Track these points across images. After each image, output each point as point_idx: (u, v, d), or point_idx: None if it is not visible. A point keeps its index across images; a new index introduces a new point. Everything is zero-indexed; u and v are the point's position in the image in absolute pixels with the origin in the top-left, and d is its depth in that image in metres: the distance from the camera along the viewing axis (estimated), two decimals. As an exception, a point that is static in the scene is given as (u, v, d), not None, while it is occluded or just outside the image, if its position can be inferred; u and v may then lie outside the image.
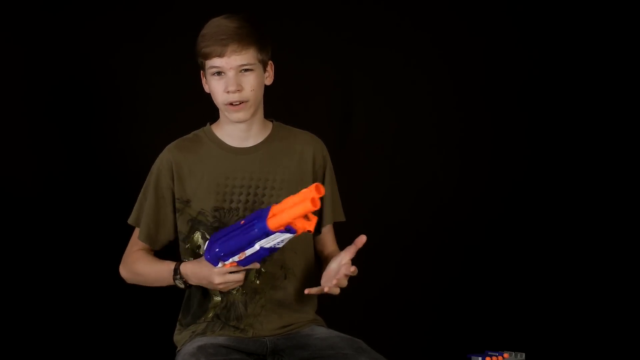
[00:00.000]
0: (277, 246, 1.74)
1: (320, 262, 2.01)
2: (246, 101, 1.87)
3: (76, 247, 2.61)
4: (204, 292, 1.95)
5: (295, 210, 1.65)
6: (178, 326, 2.00)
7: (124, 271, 1.99)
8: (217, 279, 1.79)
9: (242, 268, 1.79)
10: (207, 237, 1.92)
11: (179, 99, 2.65)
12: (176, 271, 1.87)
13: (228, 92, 1.86)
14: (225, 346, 1.88)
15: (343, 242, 2.03)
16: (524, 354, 2.46)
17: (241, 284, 1.84)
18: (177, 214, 1.94)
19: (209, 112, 2.00)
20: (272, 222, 1.67)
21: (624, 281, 2.95)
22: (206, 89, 1.94)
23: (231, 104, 1.87)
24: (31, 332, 2.58)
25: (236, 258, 1.75)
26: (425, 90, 2.89)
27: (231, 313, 1.94)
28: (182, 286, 1.88)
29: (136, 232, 1.98)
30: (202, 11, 2.62)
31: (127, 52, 2.64)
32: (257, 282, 1.94)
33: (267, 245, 1.72)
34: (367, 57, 2.84)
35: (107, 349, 2.64)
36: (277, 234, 1.69)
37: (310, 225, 1.69)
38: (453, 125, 2.90)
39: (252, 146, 1.95)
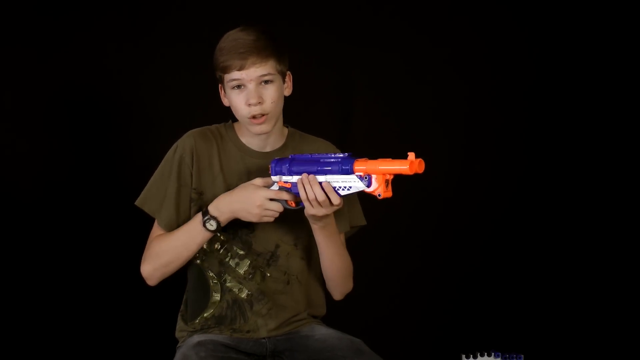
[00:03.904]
0: (339, 191, 1.73)
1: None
2: (267, 114, 1.87)
3: (78, 246, 2.63)
4: (202, 286, 1.95)
5: (389, 164, 1.67)
6: (179, 321, 2.01)
7: (147, 264, 1.92)
8: (259, 200, 1.80)
9: (285, 196, 1.80)
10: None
11: (187, 99, 2.66)
12: (205, 213, 1.86)
13: (249, 104, 1.85)
14: (225, 344, 1.89)
15: (348, 243, 2.03)
16: (522, 356, 2.46)
17: (276, 215, 1.82)
18: (192, 204, 1.94)
19: (219, 111, 1.99)
20: (358, 163, 1.70)
21: (623, 282, 2.94)
22: (225, 102, 1.92)
23: (254, 117, 1.86)
24: (34, 329, 2.59)
25: (296, 179, 1.77)
26: (426, 91, 2.89)
27: (237, 314, 1.94)
28: (214, 227, 1.85)
29: (154, 229, 1.96)
30: (205, 15, 2.66)
31: (130, 53, 2.64)
32: (263, 284, 1.95)
33: (333, 184, 1.73)
34: (368, 58, 2.84)
35: (110, 345, 2.65)
36: (352, 176, 1.70)
37: (385, 193, 1.69)
38: (455, 125, 2.90)
39: (269, 152, 1.95)
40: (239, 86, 1.86)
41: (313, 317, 2.02)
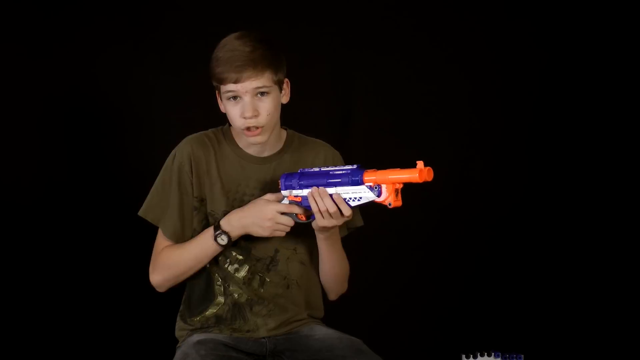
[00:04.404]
0: (350, 202, 1.76)
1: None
2: (262, 126, 1.86)
3: (77, 247, 2.63)
4: (207, 287, 1.96)
5: (399, 174, 1.69)
6: (179, 321, 2.01)
7: (157, 275, 1.94)
8: (270, 213, 1.82)
9: (296, 210, 1.82)
10: None
11: (182, 100, 2.66)
12: (217, 228, 1.87)
13: (245, 117, 1.85)
14: (225, 344, 1.89)
15: (345, 243, 2.03)
16: (522, 356, 2.46)
17: (287, 230, 1.84)
18: (194, 212, 1.94)
19: (213, 113, 1.99)
20: (368, 174, 1.73)
21: (624, 282, 2.94)
22: (222, 108, 1.92)
23: (248, 129, 1.86)
24: (34, 330, 2.59)
25: (306, 192, 1.79)
26: (426, 91, 2.88)
27: (237, 316, 1.94)
28: (225, 242, 1.87)
29: (159, 238, 1.96)
30: (202, 17, 2.66)
31: (127, 54, 2.64)
32: (262, 290, 1.95)
33: (343, 195, 1.76)
34: (367, 57, 2.84)
35: (110, 345, 2.66)
36: (362, 186, 1.73)
37: (395, 202, 1.72)
38: (455, 125, 2.90)
39: (267, 157, 1.96)
40: (234, 97, 1.85)
41: (312, 318, 2.02)
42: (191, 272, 1.93)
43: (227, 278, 1.94)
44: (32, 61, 2.58)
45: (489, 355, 2.48)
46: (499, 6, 2.90)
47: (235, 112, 1.86)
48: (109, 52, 2.63)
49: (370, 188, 1.73)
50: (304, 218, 1.84)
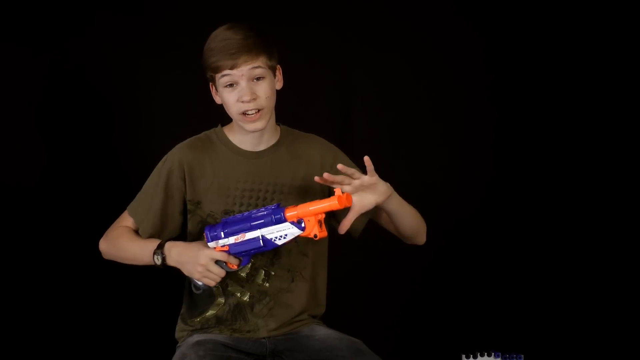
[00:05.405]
0: (276, 242, 1.78)
1: None
2: (262, 109, 1.87)
3: (77, 246, 2.62)
4: (209, 294, 1.95)
5: (319, 204, 1.73)
6: (179, 322, 2.01)
7: (103, 244, 1.97)
8: (203, 259, 1.81)
9: (231, 259, 1.82)
10: None
11: (184, 99, 2.66)
12: (160, 246, 1.87)
13: (243, 102, 1.86)
14: (224, 344, 1.89)
15: (343, 242, 2.03)
16: (522, 356, 2.46)
17: (216, 282, 1.84)
18: (189, 216, 1.94)
19: (215, 111, 1.99)
20: (289, 210, 1.76)
21: (623, 282, 2.94)
22: (217, 100, 1.93)
23: (245, 113, 1.87)
24: (34, 331, 2.60)
25: (232, 240, 1.80)
26: (426, 90, 2.88)
27: (237, 317, 1.94)
28: (159, 262, 1.87)
29: (125, 214, 1.98)
30: (204, 13, 2.66)
31: (129, 53, 2.65)
32: (267, 284, 1.95)
33: (269, 236, 1.77)
34: (367, 57, 2.84)
35: (110, 345, 2.66)
36: (285, 224, 1.76)
37: (321, 233, 1.75)
38: (454, 125, 2.90)
39: (263, 150, 1.96)
40: (231, 84, 1.86)
41: (312, 317, 2.02)
42: (130, 264, 1.95)
43: (227, 278, 1.93)
44: (31, 59, 2.58)
45: (489, 355, 2.48)
46: (498, 6, 2.90)
47: (232, 98, 1.87)
48: (110, 50, 2.63)
49: (293, 223, 1.76)
50: (235, 267, 1.84)
